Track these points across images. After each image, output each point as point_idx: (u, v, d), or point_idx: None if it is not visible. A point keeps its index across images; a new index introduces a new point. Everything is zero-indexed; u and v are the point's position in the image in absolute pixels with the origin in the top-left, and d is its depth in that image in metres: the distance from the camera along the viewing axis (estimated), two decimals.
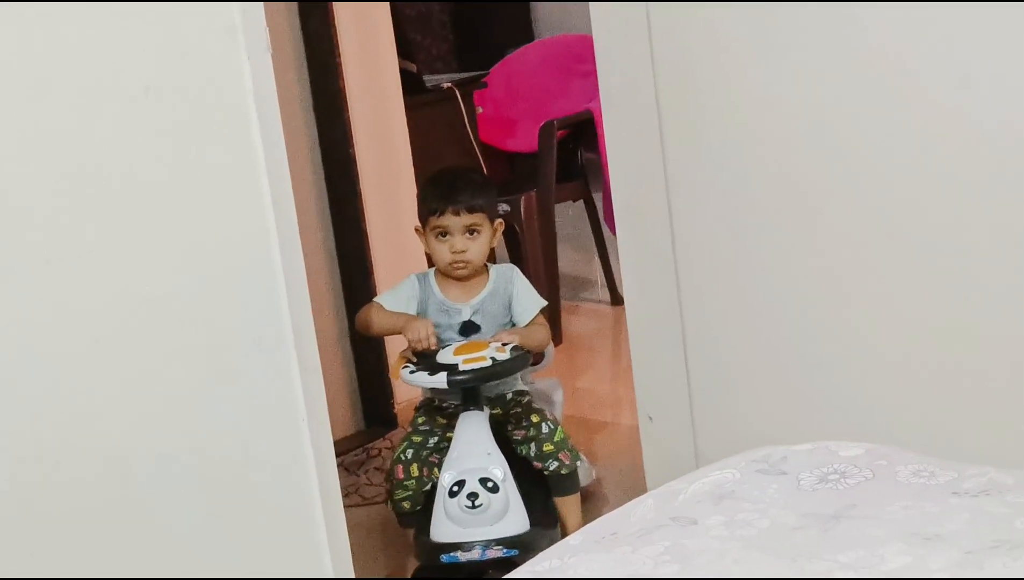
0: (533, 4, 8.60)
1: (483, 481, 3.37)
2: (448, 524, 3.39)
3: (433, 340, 3.50)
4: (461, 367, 3.39)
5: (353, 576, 2.95)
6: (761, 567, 1.84)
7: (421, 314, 3.62)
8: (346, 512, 2.97)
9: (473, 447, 3.43)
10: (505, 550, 3.35)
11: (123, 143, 2.54)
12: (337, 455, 3.07)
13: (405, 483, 3.52)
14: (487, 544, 3.36)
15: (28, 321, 2.44)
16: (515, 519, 3.40)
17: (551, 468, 3.55)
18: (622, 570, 1.92)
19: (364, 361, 4.59)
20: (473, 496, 3.35)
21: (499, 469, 3.39)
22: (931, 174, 2.95)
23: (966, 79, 2.85)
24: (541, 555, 2.06)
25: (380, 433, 4.54)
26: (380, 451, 4.39)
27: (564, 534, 3.58)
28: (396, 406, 4.62)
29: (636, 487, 3.57)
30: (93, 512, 2.53)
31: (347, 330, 4.56)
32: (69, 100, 2.46)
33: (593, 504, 3.81)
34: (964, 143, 2.89)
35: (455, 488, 3.38)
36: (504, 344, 3.49)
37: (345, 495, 3.13)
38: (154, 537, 2.63)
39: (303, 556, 2.87)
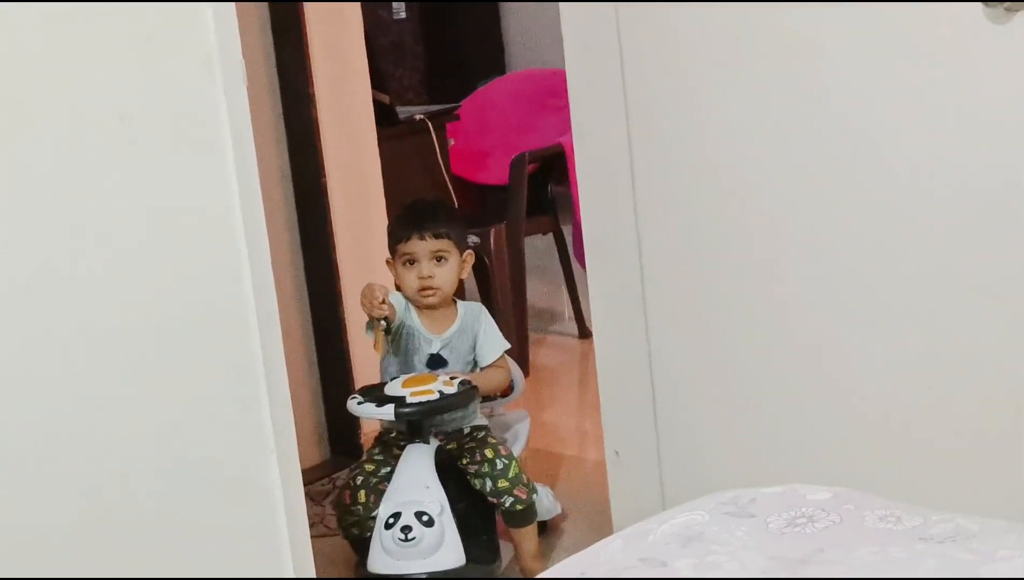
0: (506, 38, 8.64)
1: (418, 515, 3.37)
2: (383, 556, 3.41)
3: (381, 304, 3.46)
4: (408, 399, 3.40)
5: None
6: None
7: (396, 334, 3.62)
8: (312, 542, 2.97)
9: (413, 480, 3.43)
10: None
11: (97, 170, 2.55)
12: (303, 485, 3.07)
13: (352, 509, 3.55)
14: (418, 578, 3.36)
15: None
16: (449, 553, 3.40)
17: (507, 504, 3.56)
18: None
19: (331, 391, 4.59)
20: (407, 529, 3.36)
21: (436, 503, 3.39)
22: (906, 208, 2.96)
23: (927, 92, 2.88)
24: None
25: (346, 463, 4.53)
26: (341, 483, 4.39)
27: (520, 561, 3.60)
28: (362, 436, 4.61)
29: (602, 521, 3.58)
30: (62, 531, 2.54)
31: (315, 360, 4.56)
32: (44, 126, 2.47)
33: (558, 538, 3.82)
34: (943, 169, 2.91)
35: (391, 520, 3.39)
36: (452, 378, 3.49)
37: (311, 525, 3.12)
38: (121, 564, 2.61)
39: None
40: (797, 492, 2.20)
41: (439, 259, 3.60)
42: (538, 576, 2.11)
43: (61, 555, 2.53)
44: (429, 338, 3.64)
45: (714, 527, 2.12)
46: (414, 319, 3.65)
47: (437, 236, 3.60)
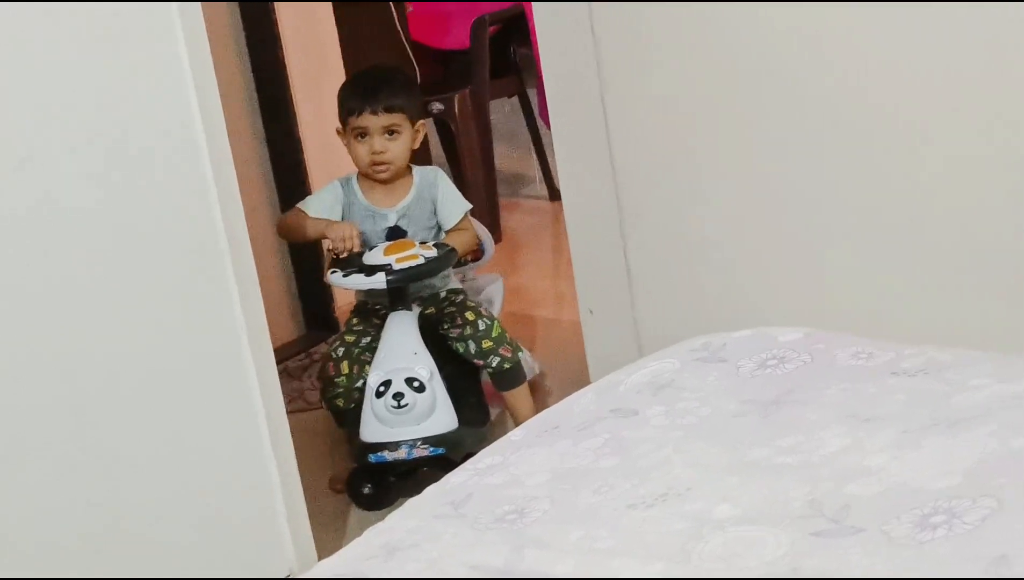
0: None
1: (409, 381, 3.37)
2: (376, 424, 3.40)
3: (357, 242, 3.48)
4: (395, 267, 3.37)
5: (299, 480, 2.95)
6: (701, 456, 1.85)
7: (346, 219, 3.58)
8: (290, 418, 2.97)
9: (400, 347, 3.42)
10: (431, 449, 3.37)
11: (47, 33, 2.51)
12: (279, 361, 3.07)
13: (336, 380, 3.53)
14: (413, 443, 3.37)
15: None
16: (442, 418, 3.40)
17: (493, 364, 3.55)
18: (564, 464, 1.93)
19: (302, 266, 4.57)
20: (399, 396, 3.36)
21: (425, 369, 3.38)
22: (877, 55, 2.94)
23: None
24: (483, 452, 2.06)
25: (322, 337, 4.53)
26: (322, 356, 4.38)
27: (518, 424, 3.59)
28: (336, 310, 4.61)
29: (580, 380, 3.55)
30: (30, 414, 2.53)
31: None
32: None
33: (537, 398, 3.81)
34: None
35: (381, 388, 3.38)
36: (422, 242, 3.47)
37: (289, 401, 3.13)
38: (92, 448, 2.61)
39: (247, 463, 2.86)
40: (768, 334, 2.20)
41: (391, 133, 3.54)
42: (509, 432, 2.11)
43: (36, 438, 2.53)
44: (383, 213, 3.59)
45: (685, 374, 2.12)
46: (361, 199, 3.61)
47: (389, 110, 3.51)
